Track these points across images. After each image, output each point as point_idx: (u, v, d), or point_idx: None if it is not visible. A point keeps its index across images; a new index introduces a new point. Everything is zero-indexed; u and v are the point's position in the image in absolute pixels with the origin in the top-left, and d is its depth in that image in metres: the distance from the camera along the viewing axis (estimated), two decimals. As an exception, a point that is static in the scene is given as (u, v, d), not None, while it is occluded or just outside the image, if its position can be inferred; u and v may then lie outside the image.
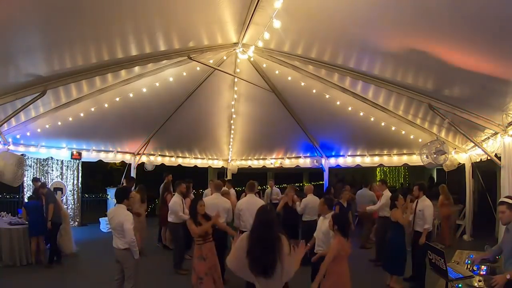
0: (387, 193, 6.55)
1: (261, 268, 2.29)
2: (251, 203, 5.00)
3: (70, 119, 6.56)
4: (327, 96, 6.67)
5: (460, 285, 3.04)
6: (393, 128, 7.15)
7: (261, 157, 10.70)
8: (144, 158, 9.27)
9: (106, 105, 6.45)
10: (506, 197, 3.15)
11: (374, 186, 8.34)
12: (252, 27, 4.58)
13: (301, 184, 17.69)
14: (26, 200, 8.20)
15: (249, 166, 10.97)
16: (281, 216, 6.23)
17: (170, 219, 5.94)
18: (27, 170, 8.63)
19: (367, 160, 8.85)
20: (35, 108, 5.66)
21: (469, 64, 3.79)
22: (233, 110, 8.49)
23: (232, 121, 9.05)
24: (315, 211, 5.98)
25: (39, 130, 6.62)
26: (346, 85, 6.07)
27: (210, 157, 10.82)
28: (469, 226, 7.69)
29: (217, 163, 11.11)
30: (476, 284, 3.06)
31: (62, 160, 9.25)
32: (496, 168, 5.81)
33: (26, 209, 6.15)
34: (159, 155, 9.61)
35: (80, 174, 9.93)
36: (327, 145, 9.20)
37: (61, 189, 8.88)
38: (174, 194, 7.46)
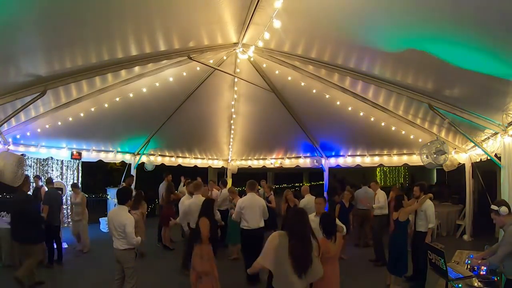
0: (381, 192, 6.59)
1: (303, 266, 2.44)
2: (252, 201, 5.05)
3: (70, 119, 6.56)
4: (327, 96, 6.67)
5: (460, 285, 3.05)
6: (393, 128, 7.15)
7: (261, 157, 10.70)
8: (144, 158, 9.27)
9: (106, 105, 6.45)
10: (493, 203, 3.23)
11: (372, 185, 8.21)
12: (252, 27, 4.58)
13: (301, 184, 17.68)
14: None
15: (249, 166, 10.97)
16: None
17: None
18: (27, 170, 8.64)
19: (367, 160, 8.84)
20: (35, 108, 5.66)
21: (469, 64, 3.79)
22: (233, 110, 8.49)
23: (232, 121, 9.05)
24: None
25: (39, 130, 6.62)
26: (346, 85, 6.06)
27: (210, 157, 10.82)
28: (469, 226, 7.69)
29: (217, 163, 11.11)
30: (476, 284, 3.07)
31: (62, 160, 9.26)
32: (496, 168, 5.81)
33: None
34: (159, 155, 9.61)
35: (80, 174, 9.93)
36: (327, 145, 9.19)
37: (61, 189, 8.88)
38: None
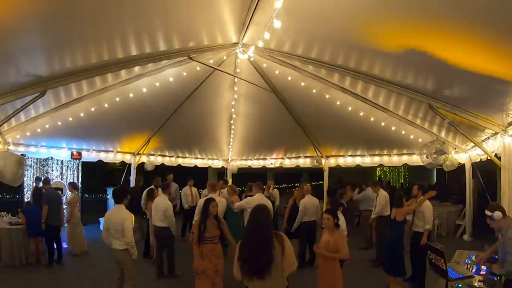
0: (382, 193, 6.56)
1: (253, 270, 2.26)
2: (263, 202, 5.07)
3: (70, 119, 6.56)
4: (327, 96, 6.66)
5: (460, 285, 3.05)
6: (393, 128, 7.15)
7: (261, 157, 10.69)
8: (144, 158, 9.27)
9: (106, 105, 6.44)
10: (487, 208, 3.13)
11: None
12: (252, 27, 4.57)
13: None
14: (26, 200, 8.23)
15: (249, 166, 10.97)
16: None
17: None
18: (27, 170, 8.64)
19: (367, 160, 8.84)
20: (35, 108, 5.66)
21: (469, 64, 3.79)
22: (233, 110, 8.48)
23: (232, 121, 9.04)
24: (313, 212, 5.98)
25: (39, 130, 6.61)
26: (346, 85, 6.06)
27: (210, 157, 10.82)
28: (469, 226, 7.70)
29: (217, 163, 11.11)
30: (476, 284, 3.06)
31: (62, 160, 9.24)
32: (496, 168, 5.81)
33: (23, 212, 6.13)
34: (159, 155, 9.61)
35: (80, 174, 9.93)
36: None
37: (61, 189, 8.88)
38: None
